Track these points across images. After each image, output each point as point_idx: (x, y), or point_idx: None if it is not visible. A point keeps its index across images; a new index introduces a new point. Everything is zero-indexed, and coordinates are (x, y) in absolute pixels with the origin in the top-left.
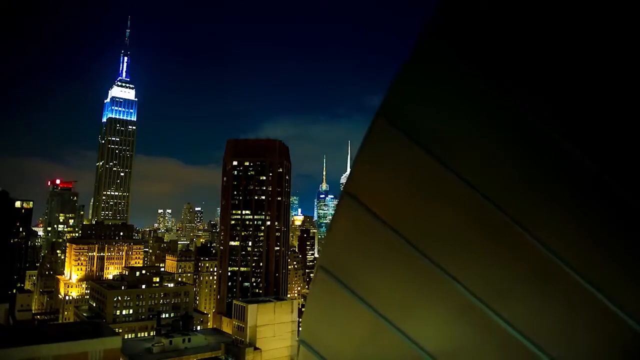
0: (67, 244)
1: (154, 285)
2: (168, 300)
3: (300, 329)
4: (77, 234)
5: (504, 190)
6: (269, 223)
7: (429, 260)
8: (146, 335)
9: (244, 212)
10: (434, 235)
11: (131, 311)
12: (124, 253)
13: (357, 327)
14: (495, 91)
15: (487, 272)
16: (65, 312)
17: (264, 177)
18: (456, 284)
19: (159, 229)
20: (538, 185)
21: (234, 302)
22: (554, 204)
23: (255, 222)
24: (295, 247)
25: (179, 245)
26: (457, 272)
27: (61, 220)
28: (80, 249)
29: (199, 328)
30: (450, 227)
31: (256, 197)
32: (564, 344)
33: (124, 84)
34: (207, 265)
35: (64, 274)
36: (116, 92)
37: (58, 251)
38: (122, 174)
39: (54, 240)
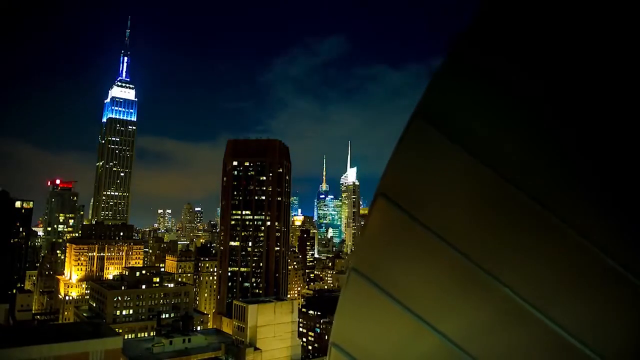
0: (67, 244)
1: (154, 285)
2: (168, 301)
3: (332, 331)
4: (77, 234)
5: (551, 191)
6: (269, 223)
7: (471, 261)
8: (146, 335)
9: (244, 212)
10: (476, 236)
11: (131, 311)
12: (124, 253)
13: (394, 330)
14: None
15: (535, 272)
16: (65, 313)
17: (264, 177)
18: (501, 285)
19: (159, 229)
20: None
21: (234, 302)
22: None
23: (255, 222)
24: (295, 247)
25: (179, 246)
26: (502, 273)
27: (61, 220)
28: (80, 249)
29: (199, 328)
30: (494, 227)
31: (256, 198)
32: (621, 348)
33: (124, 84)
34: (207, 265)
35: (64, 274)
36: (116, 92)
37: (58, 251)
38: (122, 174)
39: (53, 240)
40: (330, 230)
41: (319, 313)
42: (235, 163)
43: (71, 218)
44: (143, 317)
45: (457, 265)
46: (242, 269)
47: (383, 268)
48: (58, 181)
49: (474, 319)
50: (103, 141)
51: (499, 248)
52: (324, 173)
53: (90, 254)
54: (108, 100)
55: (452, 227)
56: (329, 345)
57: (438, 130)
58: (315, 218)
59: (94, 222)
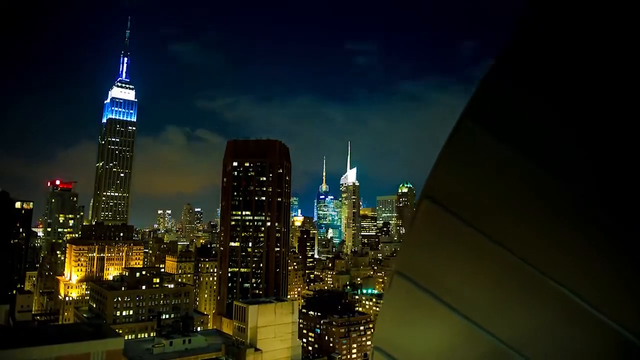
0: (67, 244)
1: (154, 286)
2: (168, 301)
3: (374, 335)
4: (77, 235)
5: (604, 190)
6: (269, 224)
7: (524, 260)
8: (146, 336)
9: (244, 212)
10: (528, 235)
11: (131, 312)
12: (123, 254)
13: (444, 334)
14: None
15: (592, 271)
16: (65, 313)
17: (264, 178)
18: (558, 285)
19: (159, 229)
20: None
21: (235, 303)
22: None
23: (255, 222)
24: (295, 247)
25: (179, 246)
26: (558, 272)
27: (61, 221)
28: (80, 249)
29: (199, 329)
30: (547, 226)
31: (256, 198)
32: None
33: (123, 85)
34: (207, 266)
35: (63, 274)
36: (116, 92)
37: (58, 252)
38: (121, 175)
39: (53, 241)
40: (330, 230)
41: (319, 314)
42: (235, 163)
43: (71, 219)
44: (143, 317)
45: (509, 265)
46: (242, 270)
47: (430, 271)
48: (58, 182)
49: (531, 320)
50: (103, 142)
51: (553, 247)
52: (324, 173)
53: (90, 255)
54: (108, 100)
55: (503, 227)
56: (371, 349)
57: (487, 130)
58: (315, 218)
59: (93, 223)
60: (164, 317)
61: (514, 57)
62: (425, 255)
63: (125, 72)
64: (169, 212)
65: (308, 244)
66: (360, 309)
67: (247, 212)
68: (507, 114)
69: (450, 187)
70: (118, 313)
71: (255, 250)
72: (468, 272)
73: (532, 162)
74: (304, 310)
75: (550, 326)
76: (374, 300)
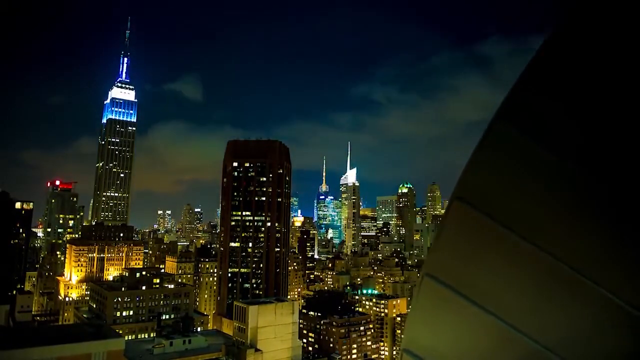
0: (67, 245)
1: (154, 286)
2: (168, 302)
3: (403, 337)
4: (77, 235)
5: None
6: (269, 224)
7: (562, 262)
8: (146, 336)
9: (244, 213)
10: (568, 237)
11: (131, 312)
12: (123, 254)
13: (478, 336)
14: None
15: (635, 273)
16: (65, 314)
17: (264, 178)
18: (600, 288)
19: (159, 229)
20: None
21: (235, 303)
22: None
23: (256, 223)
24: (295, 248)
25: (179, 247)
26: (599, 275)
27: (61, 221)
28: (80, 250)
29: (199, 329)
30: (586, 226)
31: (256, 198)
32: None
33: (123, 85)
34: (207, 266)
35: (63, 275)
36: (116, 93)
37: (58, 252)
38: (121, 175)
39: (53, 241)
40: (330, 231)
41: (319, 314)
42: (235, 164)
43: (71, 219)
44: (143, 318)
45: (546, 267)
46: (243, 270)
47: (462, 273)
48: (58, 182)
49: (570, 322)
50: (103, 142)
51: (592, 248)
52: (324, 174)
53: (90, 255)
54: (108, 101)
55: (539, 228)
56: (400, 352)
57: (522, 131)
58: (315, 219)
59: (93, 223)
60: (164, 317)
61: (548, 58)
62: (457, 256)
63: (125, 73)
64: (169, 212)
65: (308, 244)
66: (360, 309)
67: (247, 213)
68: (543, 115)
69: (483, 189)
70: (118, 313)
71: (256, 251)
72: (502, 273)
73: (570, 163)
74: (304, 311)
75: (591, 328)
76: (374, 300)
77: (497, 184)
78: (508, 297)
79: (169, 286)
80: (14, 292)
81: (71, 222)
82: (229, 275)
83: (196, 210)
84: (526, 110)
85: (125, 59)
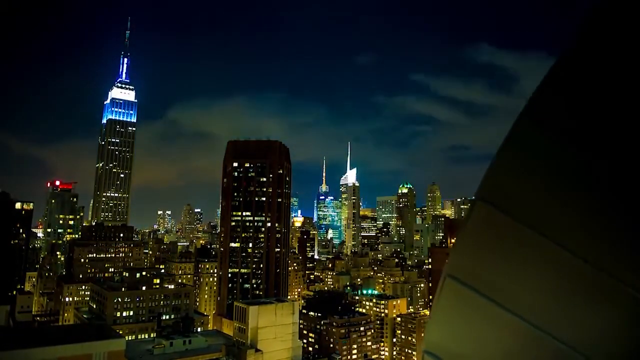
0: (67, 245)
1: (154, 286)
2: (168, 302)
3: (424, 339)
4: (77, 235)
5: None
6: (269, 224)
7: (589, 264)
8: (146, 337)
9: (244, 213)
10: (595, 237)
11: (131, 313)
12: (123, 254)
13: (503, 337)
14: None
15: None
16: (65, 314)
17: (264, 179)
18: (626, 287)
19: (159, 229)
20: None
21: (235, 303)
22: None
23: (256, 223)
24: (295, 248)
25: (179, 247)
26: (626, 275)
27: (61, 222)
28: (80, 250)
29: (199, 330)
30: (616, 230)
31: (256, 199)
32: None
33: (123, 85)
34: (207, 266)
35: (64, 275)
36: (116, 93)
37: (58, 252)
38: (121, 175)
39: (53, 241)
40: (330, 231)
41: (319, 314)
42: (235, 164)
43: (71, 219)
44: (143, 318)
45: (573, 268)
46: (243, 270)
47: (486, 274)
48: (58, 182)
49: (597, 322)
50: (103, 142)
51: (620, 248)
52: (324, 174)
53: (90, 255)
54: (108, 101)
55: (566, 229)
56: (421, 354)
57: (548, 131)
58: (315, 219)
59: (93, 224)
60: (164, 317)
61: (574, 58)
62: (480, 258)
63: (125, 73)
64: (169, 212)
65: (308, 244)
66: (361, 309)
67: (247, 213)
68: (569, 114)
69: (508, 190)
70: (118, 314)
71: (256, 251)
72: (527, 274)
73: (596, 162)
74: (304, 311)
75: (617, 327)
76: (374, 300)
77: (521, 185)
78: (532, 297)
79: (169, 286)
80: (14, 292)
81: (71, 223)
82: (229, 275)
83: (196, 210)
84: (552, 110)
85: (125, 59)
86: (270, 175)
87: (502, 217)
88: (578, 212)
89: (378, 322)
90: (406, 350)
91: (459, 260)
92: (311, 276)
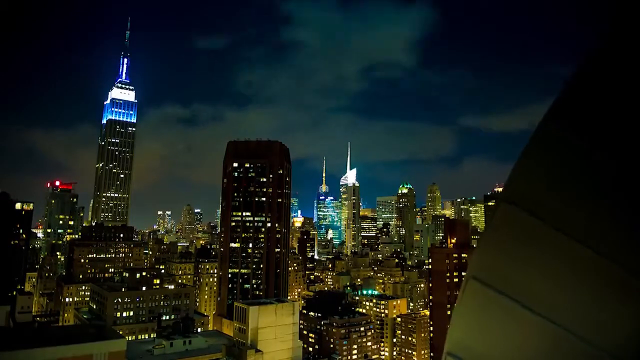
0: (67, 245)
1: (154, 287)
2: (168, 302)
3: (446, 340)
4: (77, 236)
5: None
6: (269, 225)
7: (619, 265)
8: (147, 337)
9: (244, 213)
10: (623, 241)
11: (131, 313)
12: (124, 255)
13: (528, 338)
14: None
15: None
16: (66, 314)
17: (264, 179)
18: None
19: (159, 230)
20: None
21: (235, 304)
22: None
23: (256, 223)
24: (295, 248)
25: (179, 247)
26: None
27: (61, 222)
28: (80, 250)
29: (199, 330)
30: None
31: (256, 199)
32: None
33: (123, 86)
34: (207, 267)
35: (63, 275)
36: (116, 93)
37: (58, 253)
38: (121, 176)
39: (53, 242)
40: (330, 231)
41: (319, 314)
42: (235, 164)
43: (71, 220)
44: (143, 318)
45: (601, 269)
46: (243, 271)
47: (511, 275)
48: (58, 183)
49: (626, 325)
50: (103, 142)
51: None
52: (324, 175)
53: (90, 256)
54: (108, 101)
55: (593, 230)
56: (443, 355)
57: (574, 132)
58: (315, 219)
59: (93, 224)
60: (164, 318)
61: (600, 59)
62: (505, 259)
63: (125, 73)
64: (169, 213)
65: (308, 244)
66: (361, 310)
67: (248, 213)
68: (596, 115)
69: (534, 190)
70: (118, 314)
71: (256, 251)
72: (554, 275)
73: (624, 163)
74: (304, 311)
75: None
76: (374, 301)
77: (546, 186)
78: (560, 298)
79: (169, 287)
80: (14, 292)
81: (71, 223)
82: (229, 275)
83: (196, 210)
84: (578, 111)
85: (125, 60)
86: (271, 176)
87: (527, 218)
88: (605, 213)
89: (378, 322)
90: (406, 350)
91: (482, 261)
92: (311, 276)
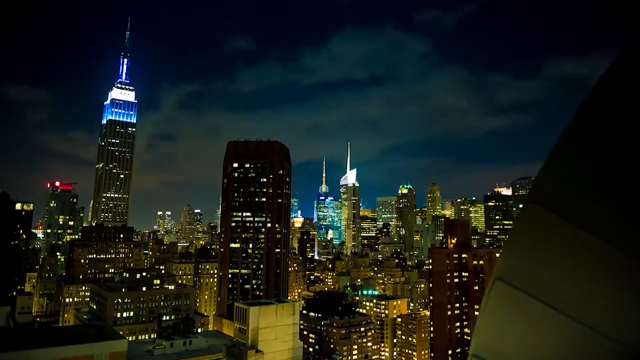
0: (67, 246)
1: (154, 287)
2: (169, 303)
3: (471, 342)
4: (77, 236)
5: None
6: (269, 225)
7: None
8: (147, 337)
9: (244, 214)
10: None
11: (132, 313)
12: (124, 255)
13: (557, 340)
14: None
15: None
16: (66, 315)
17: (265, 179)
18: None
19: (159, 230)
20: None
21: (236, 304)
22: None
23: (256, 224)
24: (295, 249)
25: (179, 247)
26: None
27: (61, 223)
28: (80, 251)
29: (199, 330)
30: None
31: (257, 199)
32: None
33: (123, 86)
34: (207, 267)
35: (63, 276)
36: (116, 94)
37: (58, 253)
38: (121, 176)
39: (53, 242)
40: (330, 231)
41: (319, 315)
42: (235, 165)
43: (71, 220)
44: (143, 319)
45: (631, 269)
46: (243, 271)
47: (538, 276)
48: (57, 183)
49: None
50: (103, 143)
51: None
52: (324, 175)
53: (90, 256)
54: (108, 102)
55: (622, 231)
56: (468, 357)
57: (602, 133)
58: (315, 220)
59: (93, 224)
60: (164, 318)
61: (632, 62)
62: (532, 260)
63: (125, 74)
64: (169, 213)
65: (308, 245)
66: (361, 310)
67: (248, 214)
68: (626, 115)
69: (561, 192)
70: (118, 314)
71: (256, 252)
72: (581, 275)
73: None
74: (304, 312)
75: None
76: (374, 301)
77: (576, 187)
78: (587, 298)
79: (169, 287)
80: (14, 293)
81: (71, 223)
82: (229, 276)
83: (196, 211)
84: (606, 112)
85: (125, 60)
86: (271, 176)
87: (556, 220)
88: (633, 213)
89: (378, 322)
90: (406, 350)
91: (509, 263)
92: (311, 277)
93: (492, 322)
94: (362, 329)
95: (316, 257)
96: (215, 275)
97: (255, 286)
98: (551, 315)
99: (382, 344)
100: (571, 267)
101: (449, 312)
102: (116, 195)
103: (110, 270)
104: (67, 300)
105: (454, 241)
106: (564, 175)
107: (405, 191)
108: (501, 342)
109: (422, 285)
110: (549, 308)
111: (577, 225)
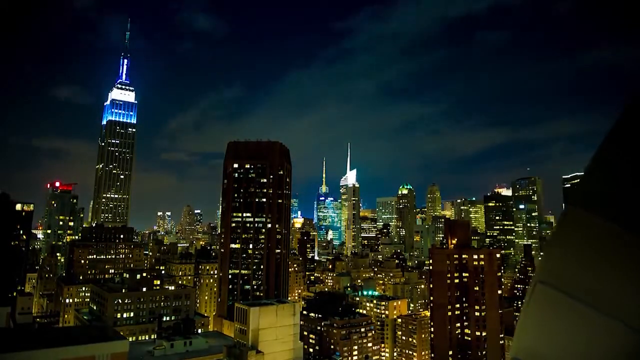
0: (67, 246)
1: (154, 288)
2: (169, 303)
3: (512, 345)
4: (77, 237)
5: None
6: (269, 225)
7: None
8: (147, 338)
9: (244, 214)
10: None
11: (132, 314)
12: (124, 256)
13: (602, 342)
14: None
15: None
16: (66, 315)
17: (265, 180)
18: None
19: (159, 231)
20: None
21: (236, 305)
22: None
23: (256, 224)
24: (295, 249)
25: (179, 248)
26: None
27: (61, 223)
28: (80, 251)
29: (200, 331)
30: None
31: (257, 200)
32: None
33: (124, 87)
34: (207, 267)
35: (64, 276)
36: (116, 94)
37: (58, 254)
38: (121, 177)
39: (53, 242)
40: (330, 232)
41: (319, 315)
42: (235, 165)
43: (71, 220)
44: (144, 319)
45: None
46: (243, 272)
47: (582, 278)
48: (58, 183)
49: None
50: (103, 143)
51: None
52: (324, 175)
53: (90, 257)
54: (108, 102)
55: None
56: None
57: None
58: (315, 220)
59: (93, 225)
60: (164, 319)
61: None
62: (575, 262)
63: (125, 74)
64: (169, 213)
65: (308, 245)
66: (361, 310)
67: (248, 214)
68: None
69: (607, 193)
70: (118, 315)
71: (256, 252)
72: (625, 277)
73: None
74: (304, 312)
75: None
76: (374, 301)
77: (620, 189)
78: (631, 300)
79: (170, 288)
80: (15, 293)
81: (71, 224)
82: (230, 276)
83: (196, 211)
84: None
85: (125, 60)
86: (271, 176)
87: (601, 222)
88: None
89: (379, 323)
90: (407, 351)
91: (551, 265)
92: (311, 277)
93: (534, 326)
94: (363, 329)
95: (316, 258)
96: (216, 276)
97: (255, 287)
98: (595, 317)
99: (383, 345)
100: (615, 269)
101: (449, 313)
102: (116, 196)
103: (110, 271)
104: (67, 300)
105: (454, 242)
106: (608, 177)
107: (405, 192)
108: (544, 344)
109: (422, 286)
110: (593, 309)
111: (620, 227)
